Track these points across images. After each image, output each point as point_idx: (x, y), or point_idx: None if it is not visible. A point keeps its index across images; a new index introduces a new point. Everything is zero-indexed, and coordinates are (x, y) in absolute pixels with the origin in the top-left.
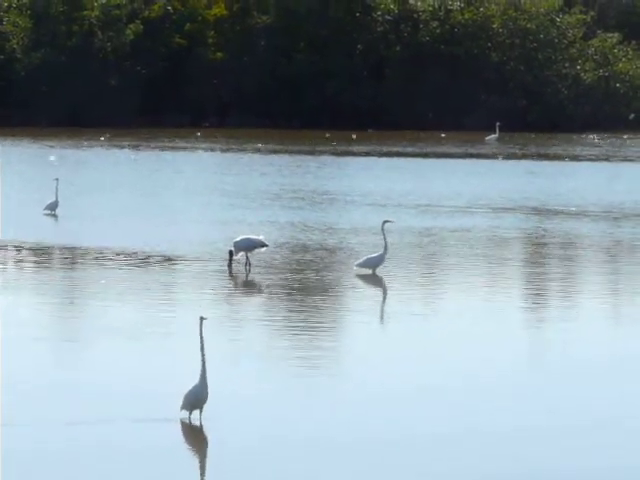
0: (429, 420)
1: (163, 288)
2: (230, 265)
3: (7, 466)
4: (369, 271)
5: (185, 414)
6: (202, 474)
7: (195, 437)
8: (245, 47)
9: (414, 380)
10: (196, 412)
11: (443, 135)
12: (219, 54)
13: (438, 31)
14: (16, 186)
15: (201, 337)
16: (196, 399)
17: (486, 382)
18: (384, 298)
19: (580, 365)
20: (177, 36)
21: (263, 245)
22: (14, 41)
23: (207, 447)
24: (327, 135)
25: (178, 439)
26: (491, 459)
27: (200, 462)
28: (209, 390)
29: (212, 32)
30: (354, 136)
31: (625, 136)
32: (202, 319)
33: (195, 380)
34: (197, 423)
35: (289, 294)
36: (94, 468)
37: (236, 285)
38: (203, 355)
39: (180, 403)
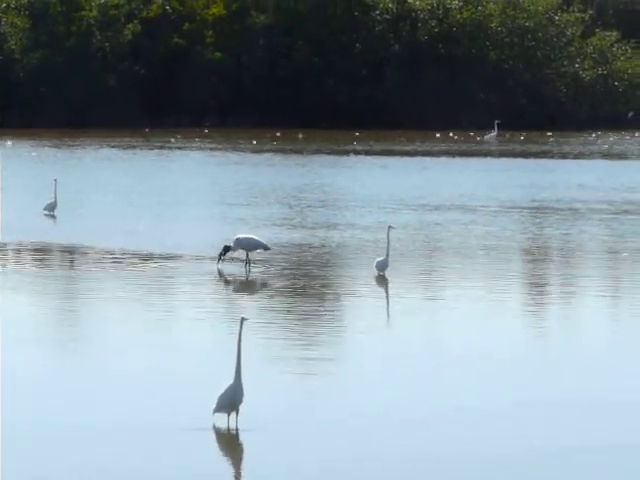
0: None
1: (162, 289)
2: (219, 259)
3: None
4: (380, 273)
5: (219, 416)
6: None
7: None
8: (244, 47)
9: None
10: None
11: (439, 135)
12: (218, 54)
13: (436, 30)
14: (15, 187)
15: (239, 337)
16: (235, 399)
17: (494, 396)
18: (387, 301)
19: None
20: (176, 36)
21: (266, 248)
22: (12, 42)
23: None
24: (330, 134)
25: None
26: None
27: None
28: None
29: (211, 32)
30: (357, 134)
31: (624, 134)
32: (243, 319)
33: (197, 382)
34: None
35: (292, 295)
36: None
37: (235, 285)
38: (239, 355)
39: (213, 406)
